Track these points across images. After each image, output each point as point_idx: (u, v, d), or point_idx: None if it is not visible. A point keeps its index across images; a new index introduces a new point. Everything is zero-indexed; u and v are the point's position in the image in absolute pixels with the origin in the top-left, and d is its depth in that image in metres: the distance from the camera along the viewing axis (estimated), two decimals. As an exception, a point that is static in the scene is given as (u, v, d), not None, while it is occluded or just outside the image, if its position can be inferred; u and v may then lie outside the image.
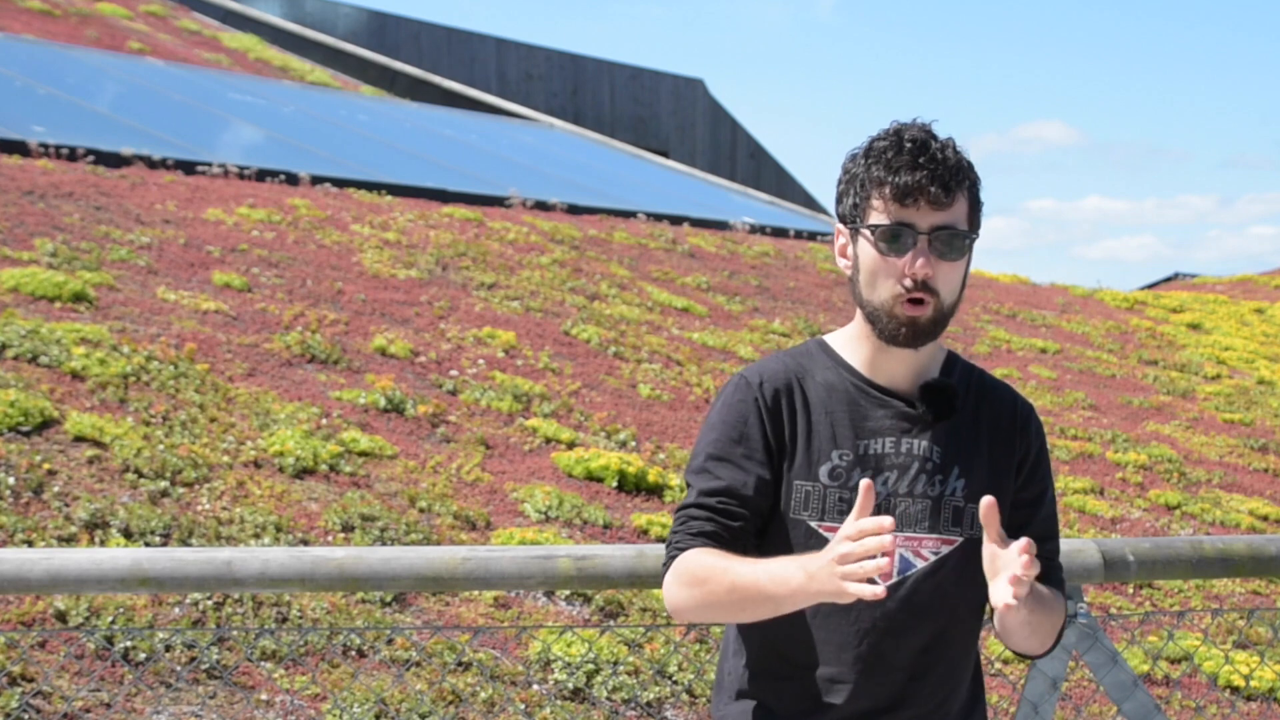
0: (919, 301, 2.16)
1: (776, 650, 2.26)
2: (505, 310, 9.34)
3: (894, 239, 2.16)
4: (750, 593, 2.09)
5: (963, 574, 2.25)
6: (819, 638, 2.22)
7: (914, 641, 2.23)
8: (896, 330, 2.18)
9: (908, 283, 2.15)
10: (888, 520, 1.93)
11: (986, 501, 2.09)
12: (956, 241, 2.17)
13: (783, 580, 2.05)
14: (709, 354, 9.63)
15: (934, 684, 2.26)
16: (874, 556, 1.92)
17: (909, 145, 2.16)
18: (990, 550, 2.11)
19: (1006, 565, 2.05)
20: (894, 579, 2.21)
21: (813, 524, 2.21)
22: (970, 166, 2.21)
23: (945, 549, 2.23)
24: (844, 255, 2.26)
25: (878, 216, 2.17)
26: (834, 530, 2.19)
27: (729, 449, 2.22)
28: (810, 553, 2.13)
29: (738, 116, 28.27)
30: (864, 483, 1.99)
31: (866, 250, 2.19)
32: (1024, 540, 2.02)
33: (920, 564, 2.22)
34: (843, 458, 2.22)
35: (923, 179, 2.14)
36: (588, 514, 6.18)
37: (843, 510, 2.20)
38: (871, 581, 1.94)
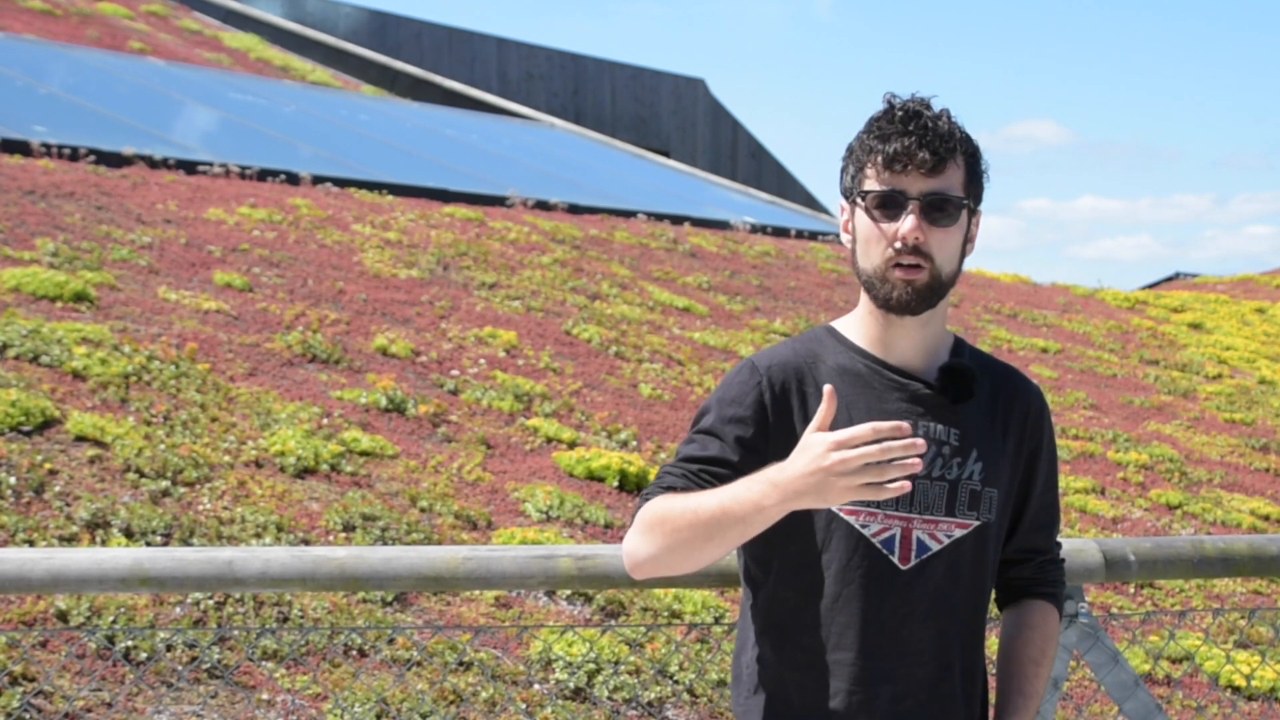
0: (913, 266, 2.17)
1: (794, 640, 2.23)
2: (506, 310, 9.34)
3: (886, 204, 2.18)
4: (713, 516, 2.06)
5: (976, 558, 2.25)
6: (836, 625, 2.20)
7: (931, 626, 2.21)
8: (890, 293, 2.18)
9: (899, 245, 2.16)
10: (906, 427, 1.93)
11: None
12: (949, 208, 2.18)
13: (746, 494, 2.03)
14: (710, 354, 9.63)
15: (951, 669, 2.25)
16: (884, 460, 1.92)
17: (900, 114, 2.18)
18: None
19: None
20: (912, 562, 2.20)
21: (834, 508, 2.20)
22: (966, 138, 2.22)
23: (960, 532, 2.23)
24: (846, 230, 2.28)
25: (871, 184, 2.20)
26: (855, 514, 2.19)
27: (720, 427, 2.21)
28: (832, 535, 2.18)
29: (738, 116, 28.30)
30: (827, 388, 2.01)
31: (862, 218, 2.21)
32: None
33: (936, 547, 2.21)
34: None
35: (911, 145, 2.16)
36: (589, 514, 6.18)
37: None
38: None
